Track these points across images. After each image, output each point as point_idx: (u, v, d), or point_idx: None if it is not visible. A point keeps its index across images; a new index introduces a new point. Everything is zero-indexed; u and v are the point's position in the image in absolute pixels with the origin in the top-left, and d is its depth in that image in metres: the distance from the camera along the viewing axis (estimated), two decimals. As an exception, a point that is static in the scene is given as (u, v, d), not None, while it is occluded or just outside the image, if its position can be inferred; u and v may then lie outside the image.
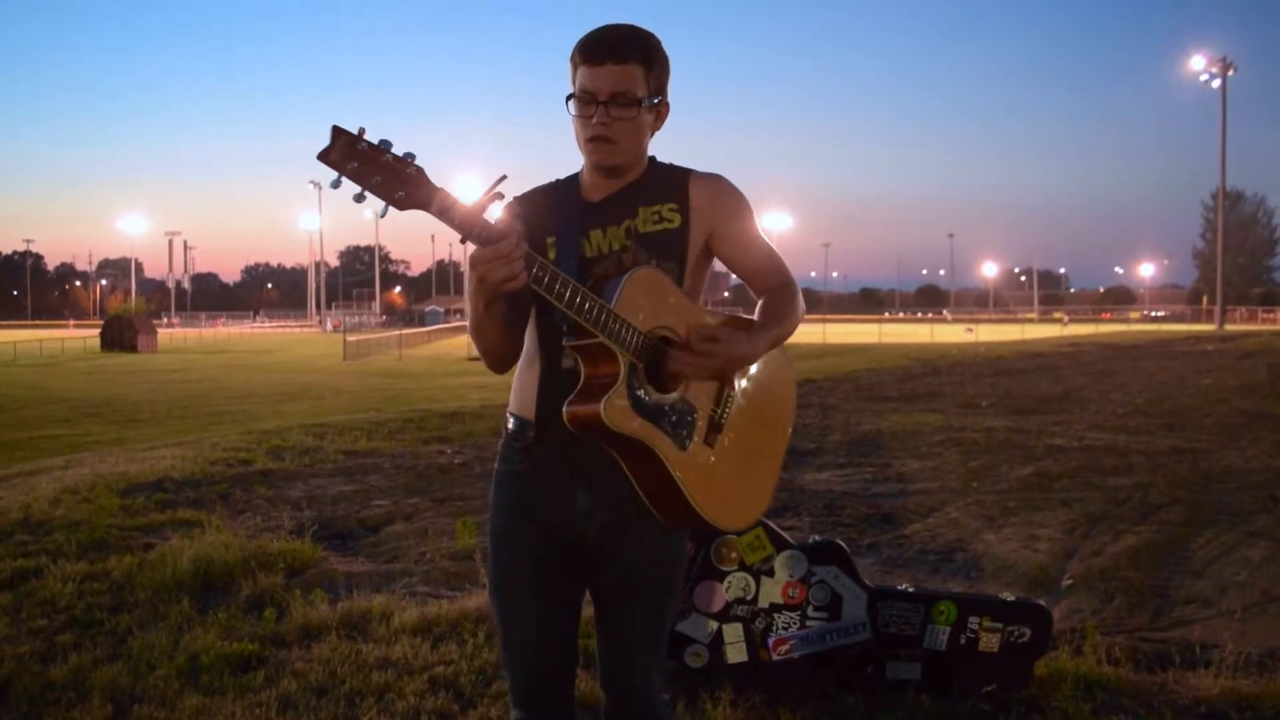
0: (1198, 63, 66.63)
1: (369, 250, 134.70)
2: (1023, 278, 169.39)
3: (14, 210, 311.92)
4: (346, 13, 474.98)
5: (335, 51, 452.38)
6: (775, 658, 3.51)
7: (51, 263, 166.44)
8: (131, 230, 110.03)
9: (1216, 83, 65.81)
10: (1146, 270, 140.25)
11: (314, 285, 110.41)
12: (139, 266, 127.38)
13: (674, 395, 2.04)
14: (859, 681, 3.52)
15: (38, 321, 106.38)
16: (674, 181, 2.19)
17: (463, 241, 1.85)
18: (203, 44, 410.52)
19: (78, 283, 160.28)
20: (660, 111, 2.16)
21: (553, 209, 2.15)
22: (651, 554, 2.21)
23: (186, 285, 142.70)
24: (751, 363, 2.13)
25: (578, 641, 2.29)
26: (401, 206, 1.77)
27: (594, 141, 2.08)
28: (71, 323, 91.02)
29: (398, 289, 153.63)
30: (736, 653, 3.51)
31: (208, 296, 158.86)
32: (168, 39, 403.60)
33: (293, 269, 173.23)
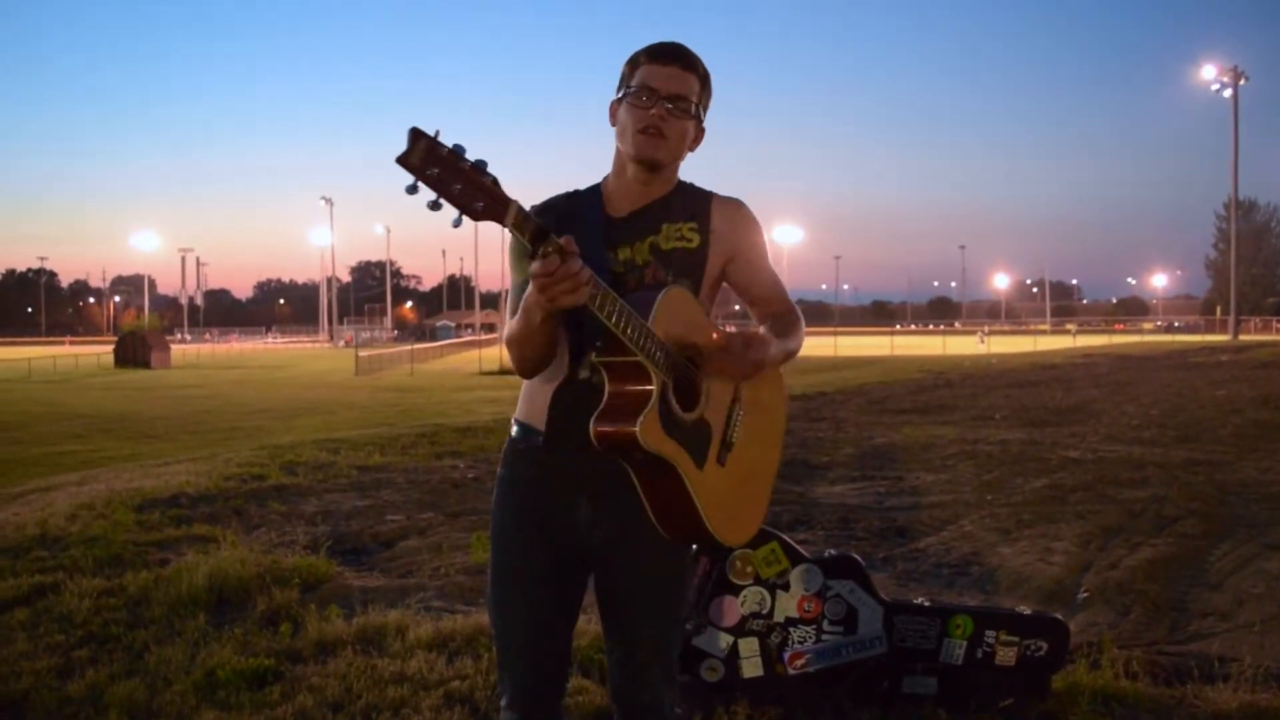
0: (1209, 72, 66.46)
1: (380, 266, 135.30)
2: (1035, 289, 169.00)
3: (28, 228, 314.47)
4: (361, 26, 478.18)
5: (349, 67, 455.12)
6: (791, 672, 3.50)
7: (65, 280, 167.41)
8: (144, 247, 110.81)
9: (1228, 92, 65.61)
10: (1159, 281, 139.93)
11: (325, 301, 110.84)
12: (152, 283, 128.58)
13: (695, 415, 2.05)
14: (875, 696, 3.51)
15: (51, 338, 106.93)
16: (697, 202, 2.22)
17: (533, 256, 1.80)
18: (215, 60, 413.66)
19: (91, 299, 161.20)
20: (700, 132, 2.22)
21: (577, 222, 2.14)
22: (657, 565, 2.22)
23: (199, 301, 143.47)
24: (766, 369, 2.14)
25: (571, 647, 2.33)
26: (478, 217, 1.71)
27: (646, 133, 2.11)
28: (68, 340, 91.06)
29: (409, 304, 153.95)
30: (752, 667, 3.50)
31: (220, 312, 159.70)
32: (180, 55, 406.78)
33: (304, 285, 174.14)
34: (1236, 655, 4.07)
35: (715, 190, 2.26)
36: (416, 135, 1.66)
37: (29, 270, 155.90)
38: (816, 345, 45.01)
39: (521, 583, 2.23)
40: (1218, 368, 26.20)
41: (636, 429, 1.91)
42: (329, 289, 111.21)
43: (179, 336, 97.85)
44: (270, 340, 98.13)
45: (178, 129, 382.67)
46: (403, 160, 1.65)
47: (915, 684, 3.53)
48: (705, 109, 2.20)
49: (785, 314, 2.27)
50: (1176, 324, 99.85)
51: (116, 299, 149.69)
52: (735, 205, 2.25)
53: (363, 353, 39.62)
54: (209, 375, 36.13)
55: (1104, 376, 23.45)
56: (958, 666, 3.52)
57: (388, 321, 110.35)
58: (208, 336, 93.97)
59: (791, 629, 3.51)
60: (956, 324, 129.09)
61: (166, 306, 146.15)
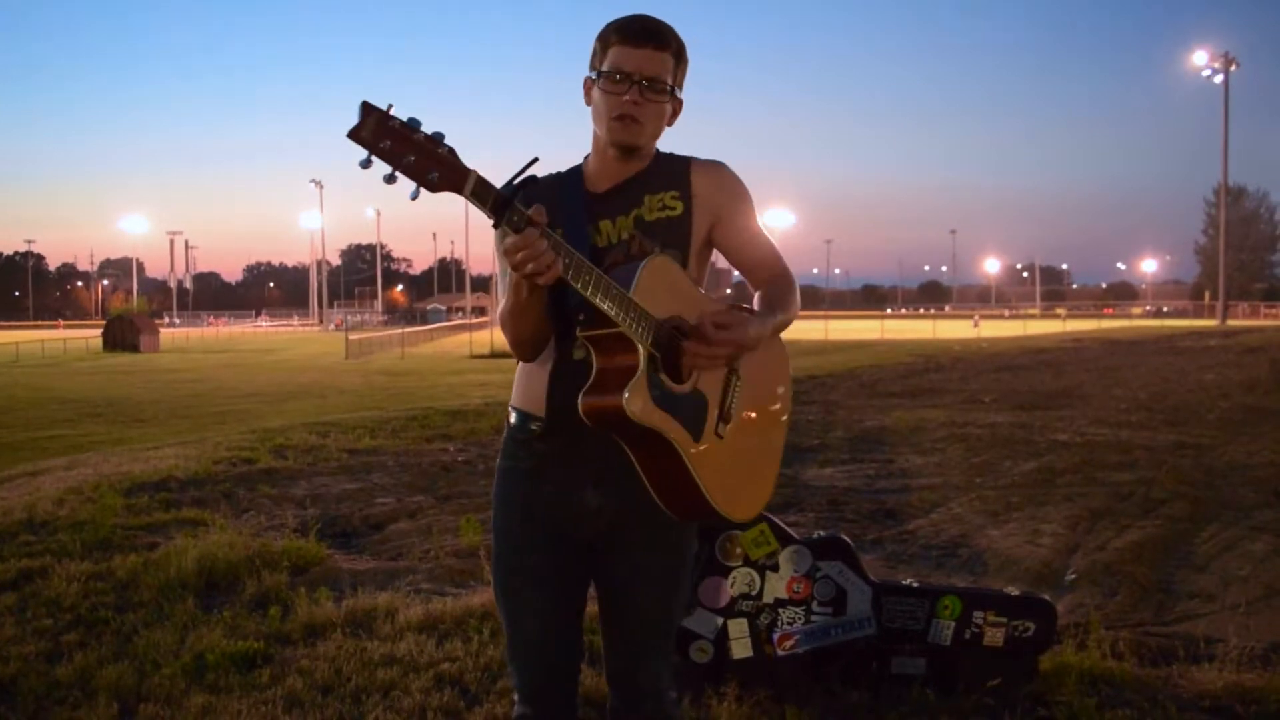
0: (1200, 58, 66.60)
1: (370, 249, 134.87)
2: (1025, 274, 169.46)
3: (15, 211, 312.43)
4: (351, 6, 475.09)
5: (340, 48, 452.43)
6: (780, 653, 3.51)
7: (53, 263, 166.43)
8: (133, 230, 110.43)
9: (1219, 78, 65.76)
10: (1149, 266, 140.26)
11: (316, 284, 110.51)
12: (140, 266, 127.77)
13: (688, 386, 2.00)
14: (864, 677, 3.53)
15: (40, 322, 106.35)
16: (676, 169, 2.18)
17: (495, 226, 1.80)
18: (203, 41, 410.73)
19: (79, 283, 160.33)
20: (677, 106, 2.17)
21: (558, 200, 2.12)
22: (659, 550, 2.19)
23: (188, 285, 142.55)
24: (757, 346, 2.08)
25: (583, 637, 2.29)
26: (434, 189, 1.71)
27: (622, 120, 2.07)
28: (60, 323, 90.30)
29: (399, 287, 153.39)
30: (741, 648, 3.51)
31: (209, 296, 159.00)
32: (167, 37, 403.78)
33: (294, 268, 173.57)
34: (1222, 636, 4.10)
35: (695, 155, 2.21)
36: (367, 109, 1.66)
37: (16, 253, 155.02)
38: (807, 329, 45.07)
39: (528, 581, 2.18)
40: (1206, 352, 26.30)
41: (623, 400, 1.88)
42: (319, 272, 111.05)
43: (168, 320, 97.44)
44: (260, 324, 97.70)
45: (167, 110, 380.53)
46: (354, 134, 1.65)
47: (904, 665, 3.55)
48: (681, 83, 2.15)
49: (777, 279, 2.19)
50: (1165, 309, 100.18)
51: (105, 282, 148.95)
52: (716, 167, 2.20)
53: (353, 336, 39.47)
54: (198, 359, 35.97)
55: (1093, 361, 23.52)
56: (946, 647, 3.53)
57: (378, 305, 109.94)
58: (210, 321, 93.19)
59: (781, 610, 3.52)
60: (947, 308, 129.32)
61: (155, 290, 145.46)
